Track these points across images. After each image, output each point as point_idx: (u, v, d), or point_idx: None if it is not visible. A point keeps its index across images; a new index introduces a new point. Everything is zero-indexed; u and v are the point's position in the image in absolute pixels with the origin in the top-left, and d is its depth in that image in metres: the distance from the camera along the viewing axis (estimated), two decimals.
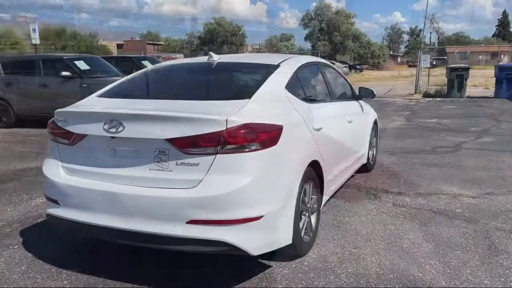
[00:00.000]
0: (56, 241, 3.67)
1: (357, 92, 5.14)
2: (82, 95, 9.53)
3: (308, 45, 62.48)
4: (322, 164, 3.48)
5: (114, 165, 2.85)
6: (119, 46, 73.09)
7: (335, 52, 54.98)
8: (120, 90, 3.52)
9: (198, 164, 2.62)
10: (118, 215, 2.73)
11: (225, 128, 2.58)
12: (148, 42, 77.20)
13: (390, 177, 5.51)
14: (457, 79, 15.66)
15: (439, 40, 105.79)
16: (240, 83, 3.61)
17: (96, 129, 2.82)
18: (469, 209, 4.30)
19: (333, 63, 34.28)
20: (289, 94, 3.31)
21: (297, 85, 3.54)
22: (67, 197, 2.94)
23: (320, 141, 3.48)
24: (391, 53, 78.25)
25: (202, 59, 4.01)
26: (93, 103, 3.25)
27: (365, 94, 5.00)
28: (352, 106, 4.90)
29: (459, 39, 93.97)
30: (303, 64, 3.85)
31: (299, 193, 3.03)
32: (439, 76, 20.96)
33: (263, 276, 2.99)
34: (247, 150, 2.62)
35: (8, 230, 3.92)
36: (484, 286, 2.86)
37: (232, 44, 65.31)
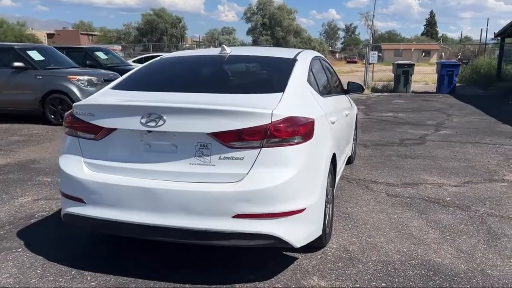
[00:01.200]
0: (62, 241, 3.47)
1: (345, 86, 5.27)
2: (37, 87, 9.09)
3: (249, 39, 62.79)
4: (337, 157, 3.58)
5: (148, 160, 2.74)
6: (49, 36, 69.15)
7: (278, 47, 55.68)
8: (139, 83, 3.39)
9: (243, 158, 2.60)
10: (156, 211, 2.64)
11: (270, 122, 2.57)
12: (82, 32, 73.71)
13: (373, 169, 5.74)
14: (403, 74, 16.49)
15: (373, 37, 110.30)
16: (264, 76, 3.57)
17: (130, 123, 2.70)
18: (456, 197, 4.60)
19: None
20: (310, 88, 3.35)
21: (313, 79, 3.59)
22: (94, 194, 2.79)
23: (335, 134, 3.56)
24: (330, 49, 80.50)
25: (213, 51, 3.94)
26: (117, 96, 3.09)
27: (355, 88, 5.15)
28: (345, 99, 5.04)
29: (391, 37, 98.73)
30: (313, 58, 3.90)
31: (327, 185, 3.10)
32: (379, 72, 21.89)
33: (294, 268, 3.03)
34: (290, 143, 2.64)
35: (1, 232, 3.64)
36: (498, 268, 3.08)
37: (172, 36, 64.01)
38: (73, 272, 2.99)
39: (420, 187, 4.94)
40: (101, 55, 12.27)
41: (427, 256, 3.24)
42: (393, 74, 17.13)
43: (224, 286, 2.80)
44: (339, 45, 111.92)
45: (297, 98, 2.97)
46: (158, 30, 63.14)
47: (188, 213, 2.60)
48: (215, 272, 2.98)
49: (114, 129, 2.78)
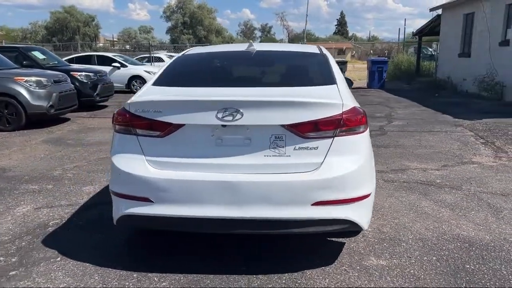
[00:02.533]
0: (100, 246, 3.32)
1: None
2: None
3: (166, 38, 61.52)
4: None
5: (220, 154, 2.75)
6: None
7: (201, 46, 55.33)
8: (186, 79, 3.35)
9: (317, 147, 2.71)
10: (236, 205, 2.66)
11: (341, 112, 2.72)
12: None
13: None
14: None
15: (289, 37, 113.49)
16: (308, 70, 3.65)
17: (204, 118, 2.68)
18: (444, 179, 5.07)
19: None
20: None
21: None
22: (164, 192, 2.72)
23: None
24: None
25: (238, 47, 3.98)
26: (175, 92, 3.01)
27: (348, 84, 5.41)
28: None
29: (306, 36, 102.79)
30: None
31: None
32: None
33: (349, 252, 3.21)
34: (357, 132, 2.80)
35: (24, 243, 3.39)
36: None
37: (85, 35, 60.78)
38: (135, 275, 2.90)
39: (408, 172, 5.37)
40: (38, 54, 11.41)
41: (452, 231, 3.58)
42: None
43: (296, 273, 2.89)
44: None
45: (347, 90, 3.14)
46: (69, 29, 59.53)
47: (268, 204, 2.66)
48: (280, 262, 3.05)
49: (182, 125, 2.75)
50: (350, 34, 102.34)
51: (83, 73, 11.30)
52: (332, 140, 2.72)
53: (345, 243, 3.35)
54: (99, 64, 15.86)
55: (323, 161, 2.71)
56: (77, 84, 10.73)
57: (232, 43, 59.20)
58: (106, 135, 8.00)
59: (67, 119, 9.71)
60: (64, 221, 3.85)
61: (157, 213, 2.76)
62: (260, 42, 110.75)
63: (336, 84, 3.10)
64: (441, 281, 2.80)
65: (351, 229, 2.86)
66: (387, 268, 2.97)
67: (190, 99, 2.80)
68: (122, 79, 15.96)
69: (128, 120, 2.85)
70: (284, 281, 2.81)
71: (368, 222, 2.93)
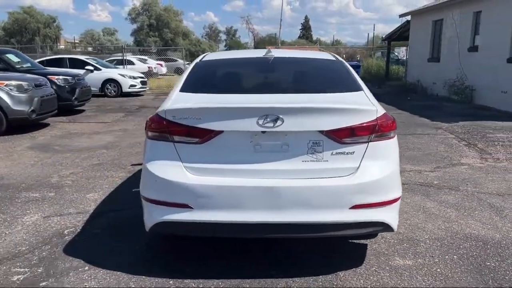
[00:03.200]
0: (125, 254, 3.28)
1: None
2: None
3: (131, 40, 60.36)
4: None
5: (258, 160, 2.79)
6: None
7: (167, 49, 54.66)
8: (214, 85, 3.38)
9: (353, 152, 2.80)
10: (277, 209, 2.71)
11: (376, 117, 2.82)
12: None
13: None
14: None
15: (255, 41, 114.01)
16: (331, 76, 3.70)
17: (245, 125, 2.72)
18: (441, 180, 5.30)
19: (176, 60, 34.26)
20: None
21: None
22: (203, 198, 2.74)
23: None
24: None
25: (255, 53, 4.02)
26: (208, 99, 3.02)
27: None
28: None
29: (271, 40, 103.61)
30: None
31: None
32: None
33: (374, 253, 3.31)
34: (388, 137, 2.91)
35: (44, 253, 3.31)
36: None
37: (46, 36, 58.82)
38: (171, 281, 2.89)
39: (405, 174, 5.56)
40: (12, 57, 11.01)
41: (463, 230, 3.76)
42: None
43: (329, 275, 2.97)
44: (222, 47, 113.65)
45: (372, 96, 3.25)
46: (29, 30, 57.45)
47: (308, 208, 2.72)
48: (311, 265, 3.12)
49: (221, 132, 2.77)
50: (314, 38, 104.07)
51: (61, 77, 10.99)
52: (367, 145, 2.82)
53: (367, 244, 3.45)
54: (71, 67, 15.41)
55: (359, 166, 2.80)
56: (54, 88, 10.41)
57: (199, 46, 58.93)
58: (92, 140, 7.84)
59: (47, 124, 9.42)
60: (79, 230, 3.77)
61: (197, 219, 2.77)
62: (225, 45, 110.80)
63: (363, 90, 3.21)
64: (468, 278, 2.94)
65: (384, 231, 2.96)
66: (415, 268, 3.09)
67: (230, 106, 2.83)
68: (96, 83, 15.57)
69: (165, 127, 2.84)
70: (320, 282, 2.88)
71: (397, 223, 3.05)
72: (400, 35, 19.79)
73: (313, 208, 2.73)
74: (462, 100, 13.23)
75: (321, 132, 2.76)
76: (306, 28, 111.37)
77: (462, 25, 13.79)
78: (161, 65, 29.47)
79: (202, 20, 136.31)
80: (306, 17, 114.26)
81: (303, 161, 2.79)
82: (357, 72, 13.87)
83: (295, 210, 2.73)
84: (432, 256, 3.26)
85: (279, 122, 2.70)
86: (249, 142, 2.78)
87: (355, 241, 3.49)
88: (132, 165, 6.05)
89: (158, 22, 55.67)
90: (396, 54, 28.12)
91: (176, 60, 34.60)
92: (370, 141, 2.82)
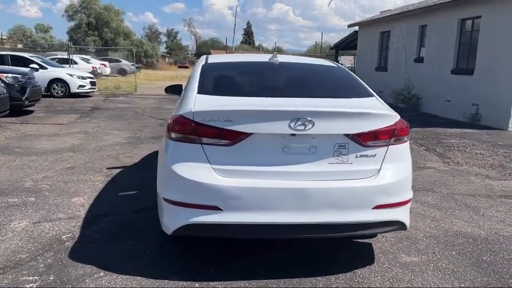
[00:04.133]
0: (139, 259, 3.20)
1: None
2: None
3: (65, 38, 57.61)
4: None
5: (287, 162, 2.85)
6: None
7: (107, 49, 52.78)
8: (231, 88, 3.38)
9: (375, 155, 2.95)
10: (306, 210, 2.79)
11: (395, 122, 2.99)
12: None
13: None
14: None
15: (197, 44, 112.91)
16: (341, 81, 3.77)
17: (276, 127, 2.77)
18: (415, 182, 5.57)
19: (120, 61, 33.20)
20: None
21: None
22: (233, 200, 2.75)
23: None
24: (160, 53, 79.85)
25: (259, 57, 4.07)
26: (234, 102, 3.02)
27: None
28: None
29: (214, 44, 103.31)
30: None
31: None
32: None
33: (381, 251, 3.48)
34: (404, 141, 3.10)
35: (49, 260, 3.14)
36: (503, 229, 4.07)
37: None
38: (196, 285, 2.87)
39: None
40: None
41: (452, 228, 4.05)
42: None
43: (348, 274, 3.08)
44: (163, 49, 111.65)
45: (383, 101, 3.42)
46: None
47: (334, 208, 2.83)
48: (329, 264, 3.22)
49: (250, 134, 2.80)
50: (256, 44, 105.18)
51: (10, 75, 10.33)
52: (387, 149, 2.97)
53: (371, 243, 3.61)
54: (13, 64, 14.46)
55: (380, 168, 2.95)
56: (3, 86, 9.76)
57: (142, 47, 57.50)
58: (54, 143, 7.46)
59: None
60: (77, 235, 3.61)
61: (226, 221, 2.77)
62: (167, 47, 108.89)
63: (375, 96, 3.37)
64: (472, 271, 3.19)
65: (399, 229, 3.13)
66: (422, 263, 3.29)
67: (263, 108, 2.86)
68: (42, 82, 14.63)
69: (193, 129, 2.82)
70: (343, 281, 2.98)
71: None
72: (348, 44, 20.64)
73: (339, 209, 2.83)
74: (409, 108, 14.04)
75: (347, 135, 2.88)
76: (248, 34, 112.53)
77: (409, 37, 14.67)
78: (105, 65, 28.47)
79: (141, 20, 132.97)
80: (248, 23, 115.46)
81: (329, 163, 2.89)
82: None
83: (323, 211, 2.81)
84: (434, 253, 3.49)
85: (309, 125, 2.78)
86: (278, 144, 2.84)
87: (359, 240, 3.64)
88: (107, 168, 5.85)
89: (98, 21, 53.65)
90: (341, 63, 29.21)
91: (120, 61, 33.54)
92: (390, 145, 2.98)
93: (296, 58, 4.33)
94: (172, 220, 2.89)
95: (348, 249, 3.50)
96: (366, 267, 3.19)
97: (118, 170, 5.78)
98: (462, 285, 2.98)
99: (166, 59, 68.66)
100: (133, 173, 5.71)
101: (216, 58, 4.16)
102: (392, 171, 2.98)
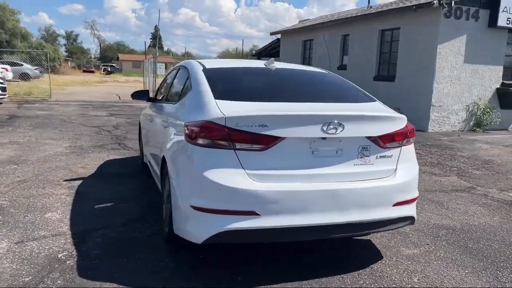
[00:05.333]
0: (155, 270, 3.05)
1: None
2: None
3: None
4: None
5: (316, 165, 2.93)
6: None
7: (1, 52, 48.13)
8: (246, 93, 3.42)
9: (391, 156, 3.15)
10: (335, 211, 2.90)
11: (406, 125, 3.23)
12: None
13: None
14: None
15: (101, 47, 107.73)
16: (343, 87, 3.89)
17: (308, 131, 2.85)
18: None
19: (21, 64, 30.57)
20: None
21: None
22: (270, 204, 2.77)
23: None
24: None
25: (255, 63, 4.10)
26: (258, 107, 3.01)
27: None
28: None
29: (120, 48, 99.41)
30: None
31: None
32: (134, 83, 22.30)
33: (384, 247, 3.69)
34: (411, 142, 3.35)
35: (59, 281, 2.89)
36: (472, 219, 4.54)
37: None
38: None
39: None
40: None
41: (430, 221, 4.42)
42: None
43: (367, 269, 3.24)
44: (63, 51, 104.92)
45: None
46: None
47: (362, 207, 2.98)
48: (347, 262, 3.35)
49: (283, 138, 2.83)
50: (165, 49, 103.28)
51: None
52: (400, 150, 3.20)
53: (370, 240, 3.82)
54: None
55: (396, 168, 3.16)
56: None
57: (42, 49, 53.39)
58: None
59: None
60: (75, 253, 3.33)
61: (264, 225, 2.78)
62: (67, 50, 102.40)
63: (377, 101, 3.58)
64: (467, 258, 3.53)
65: (410, 224, 3.37)
66: (424, 254, 3.56)
67: (297, 113, 2.91)
68: None
69: (225, 135, 2.78)
70: (366, 276, 3.13)
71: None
72: (269, 51, 21.21)
73: (366, 208, 2.99)
74: None
75: (369, 138, 3.04)
76: (156, 38, 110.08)
77: (332, 46, 15.54)
78: (6, 69, 26.01)
79: (34, 21, 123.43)
80: (156, 27, 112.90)
81: (354, 165, 3.02)
82: None
83: (352, 211, 2.95)
84: (428, 244, 3.79)
85: (340, 129, 2.89)
86: (308, 147, 2.91)
87: (359, 238, 3.83)
88: (65, 181, 5.43)
89: None
90: None
91: (21, 65, 30.86)
92: (402, 146, 3.21)
93: (287, 64, 4.43)
94: (203, 228, 2.82)
95: (355, 247, 3.66)
96: (378, 262, 3.38)
97: (78, 182, 5.39)
98: (467, 271, 3.29)
99: (69, 63, 64.39)
100: (96, 184, 5.36)
101: (212, 63, 4.09)
102: (405, 170, 3.21)
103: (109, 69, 63.32)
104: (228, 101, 3.12)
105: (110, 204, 4.58)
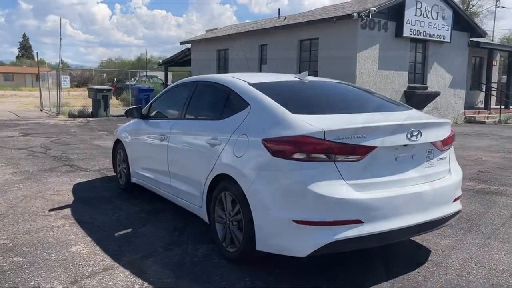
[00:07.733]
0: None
1: None
2: None
3: None
4: None
5: (399, 170, 3.19)
6: None
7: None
8: (315, 107, 3.58)
9: (445, 157, 3.54)
10: (420, 212, 3.19)
11: (451, 129, 3.64)
12: None
13: None
14: (103, 99, 16.71)
15: None
16: (379, 95, 4.19)
17: (396, 140, 3.09)
18: None
19: None
20: None
21: None
22: (371, 212, 2.94)
23: None
24: None
25: (286, 76, 4.24)
26: (340, 119, 3.17)
27: None
28: None
29: None
30: None
31: None
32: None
33: (419, 242, 4.06)
34: (452, 144, 3.76)
35: None
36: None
37: None
38: None
39: None
40: None
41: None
42: (90, 99, 17.03)
43: (417, 270, 3.45)
44: None
45: None
46: None
47: (437, 206, 3.32)
48: (395, 266, 3.63)
49: (375, 147, 3.02)
50: (36, 59, 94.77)
51: None
52: (450, 151, 3.60)
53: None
54: None
55: (450, 168, 3.55)
56: None
57: None
58: None
59: None
60: (148, 285, 3.10)
61: (368, 232, 2.95)
62: None
63: (414, 108, 3.95)
64: (495, 242, 4.05)
65: (458, 217, 3.76)
66: (458, 243, 4.00)
67: (389, 124, 3.13)
68: None
69: (326, 148, 2.89)
70: (421, 276, 3.32)
71: None
72: (179, 61, 20.94)
73: (439, 205, 3.33)
74: None
75: (433, 142, 3.38)
76: (26, 48, 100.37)
77: (251, 54, 15.95)
78: None
79: None
80: (24, 35, 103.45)
81: (424, 168, 3.34)
82: (148, 96, 14.56)
83: (431, 210, 3.26)
84: (452, 234, 4.26)
85: (419, 136, 3.19)
86: (392, 155, 3.15)
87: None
88: (50, 210, 4.93)
89: None
90: (160, 78, 29.19)
91: None
92: (450, 148, 3.61)
93: (315, 77, 4.62)
94: (308, 240, 2.89)
95: (398, 247, 3.96)
96: (431, 254, 3.73)
97: (67, 211, 4.91)
98: (503, 252, 3.80)
99: None
100: (88, 211, 4.90)
101: (253, 78, 4.03)
102: (455, 169, 3.64)
103: None
104: (305, 115, 3.21)
105: (129, 230, 4.29)
